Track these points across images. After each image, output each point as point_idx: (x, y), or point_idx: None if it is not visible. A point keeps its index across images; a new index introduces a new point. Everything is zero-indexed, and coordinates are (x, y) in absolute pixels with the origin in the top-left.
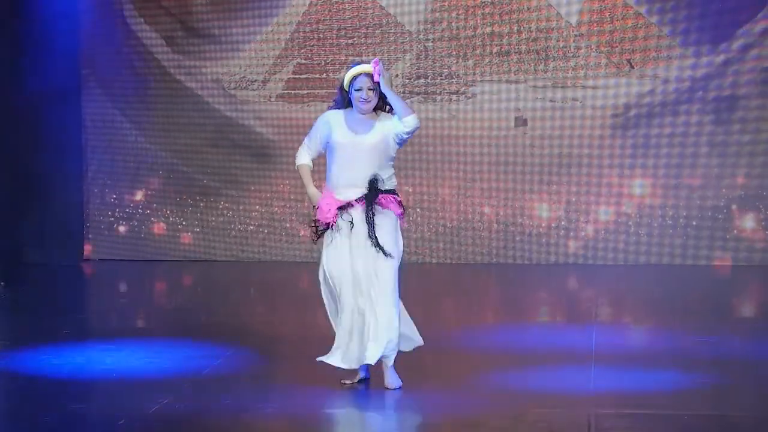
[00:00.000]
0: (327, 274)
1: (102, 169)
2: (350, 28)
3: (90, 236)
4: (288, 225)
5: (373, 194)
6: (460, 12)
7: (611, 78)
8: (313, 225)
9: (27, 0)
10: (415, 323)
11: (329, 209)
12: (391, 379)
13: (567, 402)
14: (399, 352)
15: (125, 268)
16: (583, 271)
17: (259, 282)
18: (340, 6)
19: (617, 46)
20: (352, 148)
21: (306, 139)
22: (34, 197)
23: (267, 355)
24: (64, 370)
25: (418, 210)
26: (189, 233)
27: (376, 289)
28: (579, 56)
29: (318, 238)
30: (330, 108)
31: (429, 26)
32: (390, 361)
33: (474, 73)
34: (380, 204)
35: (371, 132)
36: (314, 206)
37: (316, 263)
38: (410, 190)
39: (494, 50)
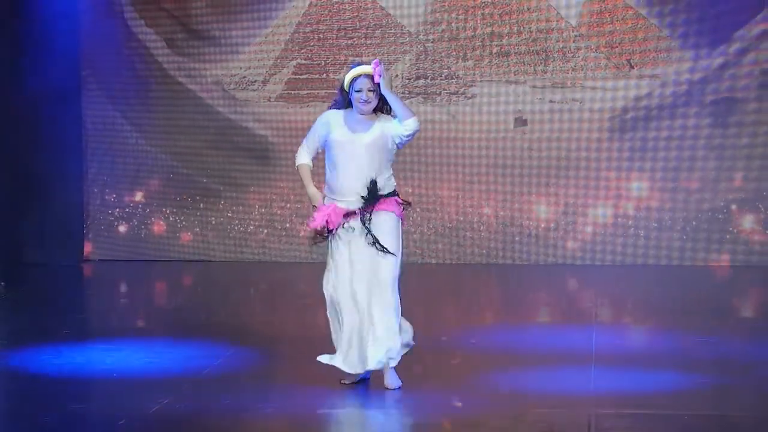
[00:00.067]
0: (330, 300)
1: (102, 169)
2: (350, 29)
3: (90, 236)
4: (288, 225)
5: (373, 199)
6: (459, 13)
7: (610, 80)
8: (315, 232)
9: (27, 0)
10: (415, 323)
11: (330, 219)
12: (391, 380)
13: (567, 402)
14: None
15: (125, 268)
16: (582, 271)
17: (258, 282)
18: (340, 6)
19: (617, 47)
20: (350, 146)
21: (305, 139)
22: (34, 197)
23: (267, 355)
24: (64, 370)
25: (417, 210)
26: (189, 233)
27: (377, 295)
28: (579, 57)
29: (315, 244)
30: (330, 108)
31: (429, 27)
32: (392, 363)
33: (474, 74)
34: (381, 208)
35: (369, 131)
36: (314, 206)
37: (315, 263)
38: (410, 190)
39: (494, 51)
